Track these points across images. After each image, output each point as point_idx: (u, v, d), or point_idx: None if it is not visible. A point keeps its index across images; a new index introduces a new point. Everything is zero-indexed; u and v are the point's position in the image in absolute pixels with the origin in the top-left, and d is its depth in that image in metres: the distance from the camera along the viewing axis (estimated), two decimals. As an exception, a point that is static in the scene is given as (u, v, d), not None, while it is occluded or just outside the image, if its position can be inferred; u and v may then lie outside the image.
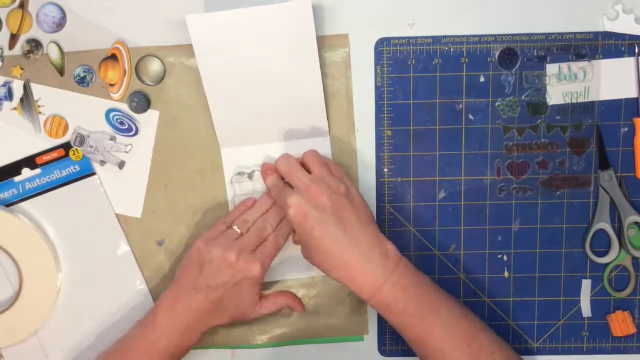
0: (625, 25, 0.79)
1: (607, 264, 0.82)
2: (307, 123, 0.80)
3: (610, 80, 0.80)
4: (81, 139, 0.81)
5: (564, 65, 0.80)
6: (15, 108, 0.81)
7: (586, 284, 0.83)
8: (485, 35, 0.80)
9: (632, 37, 0.79)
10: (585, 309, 0.83)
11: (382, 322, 0.84)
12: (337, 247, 0.71)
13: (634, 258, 0.82)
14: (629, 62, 0.80)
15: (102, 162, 0.82)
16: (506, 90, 0.81)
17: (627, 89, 0.80)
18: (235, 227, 0.76)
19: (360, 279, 0.71)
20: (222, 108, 0.80)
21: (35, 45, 0.80)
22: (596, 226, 0.82)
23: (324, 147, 0.81)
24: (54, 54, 0.80)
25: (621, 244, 0.82)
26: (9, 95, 0.81)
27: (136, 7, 0.79)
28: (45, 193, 0.82)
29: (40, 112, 0.81)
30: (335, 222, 0.71)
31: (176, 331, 0.75)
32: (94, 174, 0.82)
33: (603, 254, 0.82)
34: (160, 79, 0.81)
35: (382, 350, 0.85)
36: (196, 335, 0.76)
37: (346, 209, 0.72)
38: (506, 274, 0.83)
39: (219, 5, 0.78)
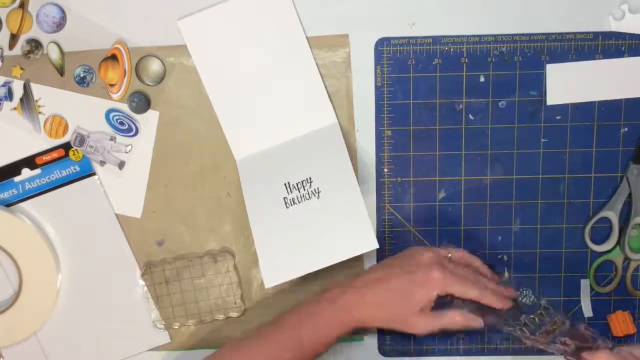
0: (631, 24, 0.79)
1: (597, 258, 0.82)
2: (313, 113, 0.81)
3: (610, 80, 0.80)
4: (81, 139, 0.81)
5: (564, 65, 0.80)
6: (15, 108, 0.81)
7: (586, 284, 0.83)
8: (485, 35, 0.80)
9: (639, 37, 0.79)
10: (586, 309, 0.83)
11: (382, 322, 0.84)
12: None
13: (625, 258, 0.82)
14: (629, 62, 0.80)
15: (102, 163, 0.82)
16: (506, 90, 0.81)
17: (627, 89, 0.80)
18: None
19: None
20: (229, 111, 0.81)
21: (35, 45, 0.80)
22: (603, 213, 0.81)
23: (334, 134, 0.80)
24: (54, 54, 0.80)
25: (619, 241, 0.82)
26: (9, 95, 0.81)
27: (136, 7, 0.80)
28: (45, 193, 0.82)
29: (40, 112, 0.81)
30: None
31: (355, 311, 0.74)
32: (94, 174, 0.82)
33: (598, 242, 0.82)
34: (160, 79, 0.81)
35: (382, 351, 0.85)
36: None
37: None
38: (506, 274, 0.83)
39: (216, 4, 0.78)
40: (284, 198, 0.78)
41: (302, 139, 0.81)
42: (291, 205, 0.78)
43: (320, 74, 0.80)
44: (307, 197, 0.77)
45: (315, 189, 0.77)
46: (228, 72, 0.80)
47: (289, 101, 0.81)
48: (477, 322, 0.73)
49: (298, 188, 0.78)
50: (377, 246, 0.75)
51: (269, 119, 0.81)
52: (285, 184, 0.78)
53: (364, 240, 0.75)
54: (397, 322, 0.74)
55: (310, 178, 0.78)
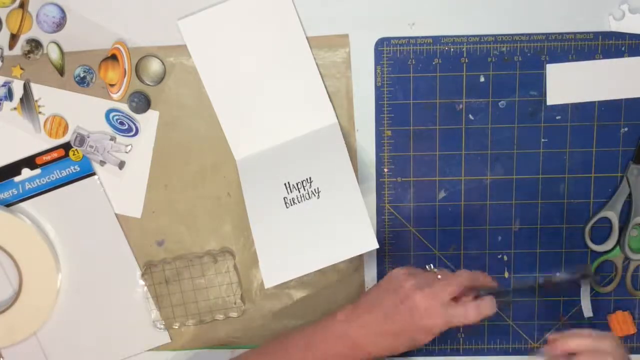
0: (631, 24, 0.79)
1: (597, 258, 0.82)
2: (313, 113, 0.81)
3: (610, 80, 0.80)
4: (81, 139, 0.81)
5: (563, 66, 0.80)
6: (15, 108, 0.81)
7: (586, 284, 0.83)
8: (485, 35, 0.80)
9: (639, 37, 0.79)
10: (587, 310, 0.83)
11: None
12: None
13: (625, 258, 0.82)
14: (629, 62, 0.80)
15: (102, 162, 0.82)
16: (506, 91, 0.81)
17: (627, 89, 0.80)
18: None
19: None
20: (229, 111, 0.81)
21: (35, 45, 0.80)
22: (603, 213, 0.81)
23: (334, 134, 0.80)
24: (54, 54, 0.80)
25: (619, 241, 0.82)
26: (9, 95, 0.81)
27: (136, 7, 0.80)
28: (45, 193, 0.82)
29: (40, 112, 0.81)
30: None
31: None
32: (94, 174, 0.82)
33: (598, 242, 0.82)
34: (160, 79, 0.81)
35: (382, 351, 0.85)
36: None
37: None
38: (506, 274, 0.83)
39: (216, 4, 0.78)
40: (284, 198, 0.78)
41: (302, 139, 0.81)
42: (291, 205, 0.78)
43: (320, 74, 0.80)
44: (307, 197, 0.77)
45: (315, 189, 0.78)
46: (228, 72, 0.80)
47: (289, 101, 0.81)
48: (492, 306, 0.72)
49: (298, 188, 0.78)
50: (377, 246, 0.74)
51: (269, 119, 0.81)
52: (285, 184, 0.78)
53: (364, 240, 0.75)
54: (416, 344, 0.73)
55: (310, 178, 0.78)
